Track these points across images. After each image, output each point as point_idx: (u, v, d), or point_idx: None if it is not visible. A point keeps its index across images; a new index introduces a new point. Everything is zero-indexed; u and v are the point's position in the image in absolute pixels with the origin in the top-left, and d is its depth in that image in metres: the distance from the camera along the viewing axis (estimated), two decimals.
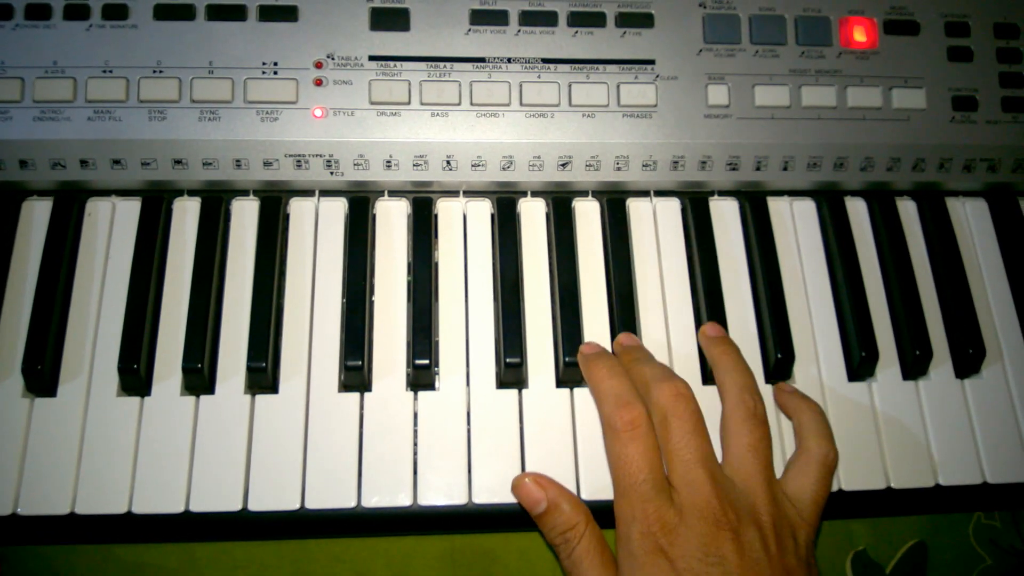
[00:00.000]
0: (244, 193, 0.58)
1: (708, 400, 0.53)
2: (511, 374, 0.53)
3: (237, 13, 0.55)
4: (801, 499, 0.48)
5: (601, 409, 0.50)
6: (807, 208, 0.60)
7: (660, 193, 0.60)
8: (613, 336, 0.55)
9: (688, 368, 0.55)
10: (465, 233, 0.58)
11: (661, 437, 0.48)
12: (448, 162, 0.56)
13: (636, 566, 0.44)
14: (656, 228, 0.59)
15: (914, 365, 0.56)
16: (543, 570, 0.55)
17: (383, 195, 0.58)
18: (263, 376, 0.52)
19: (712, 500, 0.45)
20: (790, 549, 0.45)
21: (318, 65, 0.55)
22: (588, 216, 0.59)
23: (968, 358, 0.56)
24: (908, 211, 0.61)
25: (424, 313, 0.54)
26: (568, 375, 0.54)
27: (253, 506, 0.49)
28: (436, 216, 0.58)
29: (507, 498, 0.50)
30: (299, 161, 0.55)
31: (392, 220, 0.58)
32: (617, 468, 0.47)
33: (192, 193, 0.57)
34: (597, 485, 0.50)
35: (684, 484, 0.46)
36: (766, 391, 0.54)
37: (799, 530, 0.47)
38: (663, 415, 0.48)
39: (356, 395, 0.52)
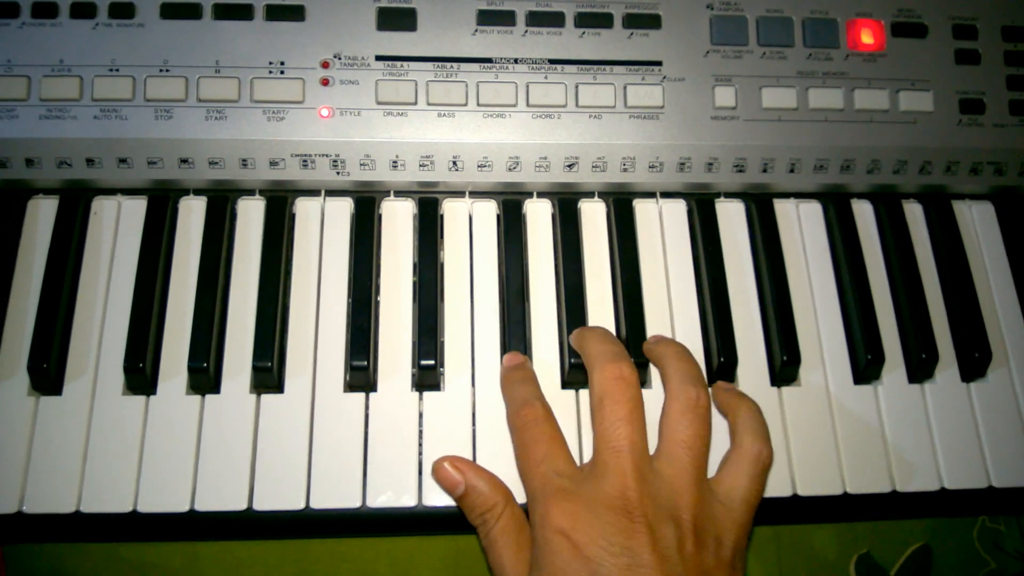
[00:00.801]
0: (250, 192, 0.58)
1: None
2: None
3: (244, 12, 0.55)
4: (732, 498, 0.46)
5: (507, 411, 0.51)
6: (813, 210, 0.60)
7: (666, 195, 0.60)
8: (617, 337, 0.55)
9: None
10: (471, 234, 0.58)
11: (595, 419, 0.47)
12: (454, 162, 0.56)
13: (540, 552, 0.44)
14: (662, 230, 0.59)
15: (920, 368, 0.56)
16: None
17: (389, 195, 0.58)
18: (268, 376, 0.52)
19: (628, 491, 0.44)
20: (710, 550, 0.44)
21: (325, 65, 0.55)
22: (594, 217, 0.59)
23: (974, 362, 0.56)
24: (914, 214, 0.61)
25: (429, 313, 0.54)
26: (573, 376, 0.53)
27: (258, 505, 0.49)
28: (442, 217, 0.58)
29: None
30: (305, 161, 0.55)
31: (398, 220, 0.58)
32: (518, 456, 0.48)
33: (198, 192, 0.57)
34: None
35: (604, 471, 0.45)
36: (758, 393, 0.53)
37: (725, 531, 0.45)
38: (599, 396, 0.47)
39: (361, 395, 0.52)
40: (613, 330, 0.55)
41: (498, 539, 0.46)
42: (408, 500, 0.50)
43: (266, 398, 0.52)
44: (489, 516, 0.47)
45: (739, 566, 0.45)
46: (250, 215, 0.57)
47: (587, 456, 0.51)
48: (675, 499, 0.45)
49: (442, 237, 0.57)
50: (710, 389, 0.51)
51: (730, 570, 0.44)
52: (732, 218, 0.60)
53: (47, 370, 0.51)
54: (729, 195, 0.60)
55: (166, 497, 0.49)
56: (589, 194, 0.59)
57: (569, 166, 0.57)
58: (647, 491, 0.44)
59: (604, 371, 0.48)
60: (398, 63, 0.55)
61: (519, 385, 0.51)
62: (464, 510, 0.48)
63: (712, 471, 0.49)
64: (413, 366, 0.53)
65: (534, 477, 0.46)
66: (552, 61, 0.56)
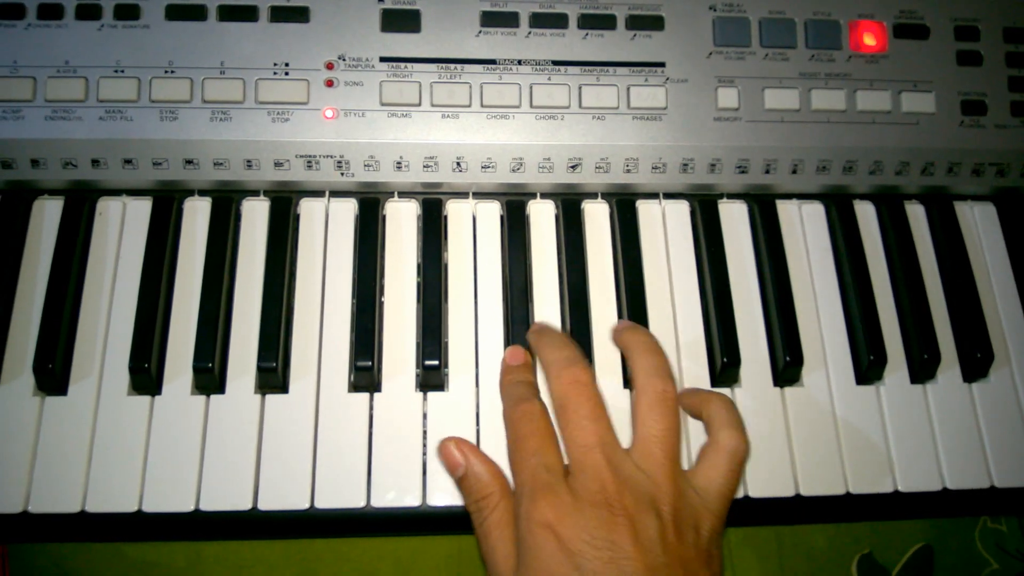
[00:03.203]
0: (255, 193, 0.58)
1: None
2: None
3: (249, 14, 0.55)
4: (709, 490, 0.47)
5: (504, 406, 0.50)
6: (816, 211, 0.61)
7: (669, 195, 0.60)
8: None
9: (697, 370, 0.55)
10: (475, 234, 0.58)
11: (560, 425, 0.47)
12: (458, 163, 0.56)
13: (526, 546, 0.44)
14: (665, 230, 0.59)
15: (922, 369, 0.56)
16: None
17: (393, 196, 0.58)
18: (273, 376, 0.52)
19: (607, 485, 0.44)
20: (689, 540, 0.44)
21: (329, 66, 0.55)
22: (597, 218, 0.59)
23: (976, 362, 0.56)
24: (917, 215, 0.61)
25: (433, 314, 0.54)
26: None
27: (263, 505, 0.49)
28: (446, 217, 0.58)
29: None
30: (310, 162, 0.55)
31: (402, 221, 0.58)
32: (511, 449, 0.48)
33: (203, 193, 0.58)
34: None
35: (580, 469, 0.45)
36: (761, 393, 0.54)
37: (703, 521, 0.46)
38: (560, 402, 0.48)
39: (366, 395, 0.53)
40: None
41: (492, 530, 0.46)
42: (412, 500, 0.50)
43: (271, 398, 0.52)
44: (484, 504, 0.47)
45: (716, 554, 0.46)
46: (255, 216, 0.57)
47: None
48: (653, 491, 0.45)
49: (446, 238, 0.57)
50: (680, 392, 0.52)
51: (708, 558, 0.45)
52: (735, 219, 0.60)
53: (52, 370, 0.51)
54: (732, 196, 0.60)
55: (171, 497, 0.49)
56: (592, 195, 0.60)
57: (572, 167, 0.57)
58: (625, 484, 0.45)
59: (561, 377, 0.48)
60: (402, 64, 0.55)
61: (518, 385, 0.51)
62: (462, 493, 0.49)
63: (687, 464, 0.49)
64: (417, 366, 0.53)
65: (524, 470, 0.46)
66: (555, 62, 0.56)
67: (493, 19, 0.56)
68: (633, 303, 0.56)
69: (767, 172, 0.58)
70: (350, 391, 0.53)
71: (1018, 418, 0.56)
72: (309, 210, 0.58)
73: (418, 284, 0.56)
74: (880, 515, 0.57)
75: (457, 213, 0.58)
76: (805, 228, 0.60)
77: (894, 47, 0.59)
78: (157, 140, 0.54)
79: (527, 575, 0.43)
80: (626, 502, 0.44)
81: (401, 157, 0.56)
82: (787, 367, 0.55)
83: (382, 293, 0.55)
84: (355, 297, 0.55)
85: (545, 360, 0.50)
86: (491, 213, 0.58)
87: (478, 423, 0.52)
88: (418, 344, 0.54)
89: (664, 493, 0.45)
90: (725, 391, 0.54)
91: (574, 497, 0.44)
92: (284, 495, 0.50)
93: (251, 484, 0.50)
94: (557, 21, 0.57)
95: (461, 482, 0.48)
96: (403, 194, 0.59)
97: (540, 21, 0.57)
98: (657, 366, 0.49)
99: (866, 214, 0.61)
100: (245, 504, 0.49)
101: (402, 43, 0.56)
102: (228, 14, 0.55)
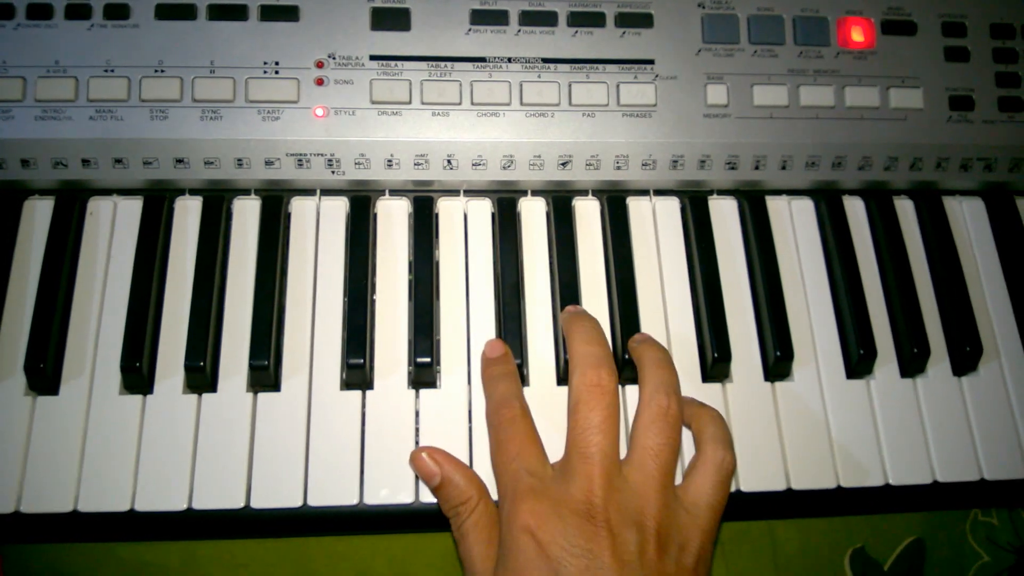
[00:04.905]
0: (245, 192, 0.58)
1: (708, 399, 0.54)
2: None
3: (238, 13, 0.55)
4: (698, 504, 0.47)
5: (486, 408, 0.51)
6: (805, 207, 0.61)
7: (660, 192, 0.60)
8: (612, 333, 0.55)
9: (688, 366, 0.55)
10: (466, 232, 0.58)
11: (569, 421, 0.48)
12: (449, 161, 0.56)
13: (506, 548, 0.44)
14: (656, 227, 0.59)
15: (912, 363, 0.56)
16: None
17: (384, 194, 0.59)
18: (265, 374, 0.52)
19: (593, 497, 0.44)
20: (672, 556, 0.45)
21: (319, 65, 0.55)
22: (588, 215, 0.59)
23: (965, 356, 0.56)
24: (906, 210, 0.62)
25: (425, 312, 0.54)
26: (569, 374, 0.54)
27: (255, 503, 0.49)
28: (437, 215, 0.58)
29: None
30: (300, 160, 0.55)
31: (393, 219, 0.58)
32: (494, 452, 0.49)
33: (194, 192, 0.58)
34: None
35: (572, 474, 0.46)
36: (752, 388, 0.54)
37: (690, 538, 0.46)
38: (575, 401, 0.48)
39: (358, 393, 0.53)
40: (607, 327, 0.55)
41: (469, 532, 0.47)
42: (405, 497, 0.50)
43: (263, 397, 0.52)
44: (462, 509, 0.47)
45: (702, 572, 0.46)
46: (246, 214, 0.57)
47: None
48: (640, 505, 0.45)
49: (437, 235, 0.58)
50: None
51: (691, 574, 0.45)
52: (725, 215, 0.60)
53: (44, 370, 0.51)
54: (722, 192, 0.61)
55: (163, 496, 0.49)
56: (583, 192, 0.60)
57: (563, 164, 0.57)
58: (612, 497, 0.45)
59: (584, 376, 0.48)
60: (392, 63, 0.56)
61: (499, 382, 0.51)
62: (439, 501, 0.49)
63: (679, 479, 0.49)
64: (409, 364, 0.53)
65: (505, 474, 0.47)
66: (545, 60, 0.57)
67: (483, 17, 0.57)
68: (624, 300, 0.56)
69: (756, 168, 0.58)
70: (342, 389, 0.53)
71: (1007, 411, 0.56)
72: (300, 208, 0.58)
73: (410, 282, 0.56)
74: (871, 509, 0.57)
75: (448, 211, 0.58)
76: (795, 223, 0.60)
77: (882, 43, 0.59)
78: (147, 139, 0.54)
79: None
80: (610, 515, 0.44)
81: (392, 155, 0.56)
82: (777, 362, 0.55)
83: (374, 291, 0.55)
84: (347, 295, 0.55)
85: (573, 351, 0.50)
86: (482, 211, 0.59)
87: (470, 420, 0.52)
88: (410, 341, 0.54)
89: (651, 507, 0.45)
90: (716, 386, 0.55)
91: (556, 502, 0.45)
92: (277, 493, 0.50)
93: (244, 482, 0.50)
94: (546, 19, 0.57)
95: (438, 490, 0.49)
96: (394, 192, 0.59)
97: (529, 19, 0.57)
98: (665, 382, 0.49)
99: (855, 209, 0.61)
100: (238, 502, 0.49)
101: (392, 41, 0.56)
102: (218, 13, 0.55)
